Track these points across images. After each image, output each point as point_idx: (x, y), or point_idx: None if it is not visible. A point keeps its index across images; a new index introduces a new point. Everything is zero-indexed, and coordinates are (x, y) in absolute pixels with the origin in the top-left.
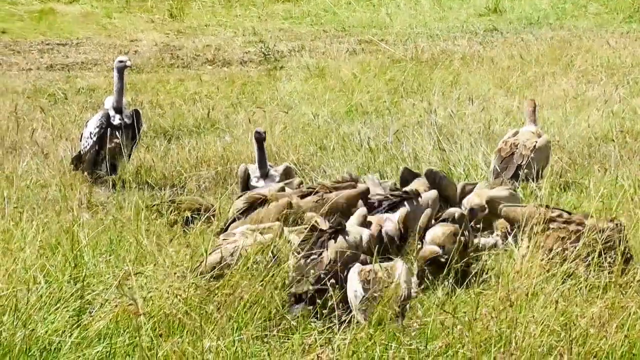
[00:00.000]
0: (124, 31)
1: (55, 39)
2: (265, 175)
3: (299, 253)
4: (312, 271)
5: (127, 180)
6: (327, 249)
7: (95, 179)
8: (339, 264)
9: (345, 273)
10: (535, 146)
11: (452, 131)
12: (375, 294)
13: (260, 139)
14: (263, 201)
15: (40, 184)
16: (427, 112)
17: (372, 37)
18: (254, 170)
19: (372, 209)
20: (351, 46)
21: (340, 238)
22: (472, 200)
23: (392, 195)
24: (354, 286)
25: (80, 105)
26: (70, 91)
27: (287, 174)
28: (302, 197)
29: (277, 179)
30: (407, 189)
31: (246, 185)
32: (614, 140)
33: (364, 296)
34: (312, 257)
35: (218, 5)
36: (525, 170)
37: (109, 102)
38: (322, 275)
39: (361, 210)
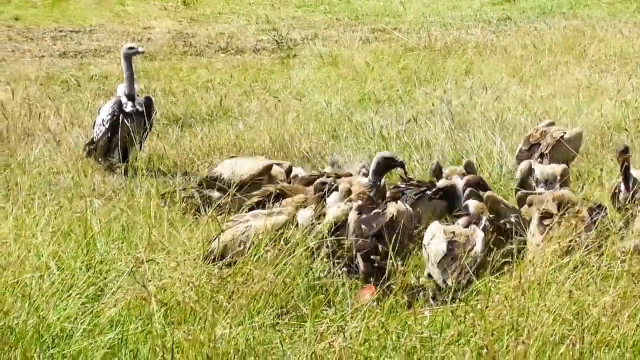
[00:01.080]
0: (137, 18)
1: (68, 26)
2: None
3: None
4: (374, 224)
5: (140, 168)
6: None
7: (108, 166)
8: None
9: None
10: (562, 137)
11: (465, 120)
12: (457, 255)
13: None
14: (278, 195)
15: (53, 171)
16: (440, 101)
17: (385, 25)
18: (121, 89)
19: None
20: (364, 35)
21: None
22: None
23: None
24: (437, 243)
25: (93, 93)
26: (83, 78)
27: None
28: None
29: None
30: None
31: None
32: (626, 130)
33: (445, 255)
34: (375, 212)
35: None
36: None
37: (121, 89)
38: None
39: (343, 185)
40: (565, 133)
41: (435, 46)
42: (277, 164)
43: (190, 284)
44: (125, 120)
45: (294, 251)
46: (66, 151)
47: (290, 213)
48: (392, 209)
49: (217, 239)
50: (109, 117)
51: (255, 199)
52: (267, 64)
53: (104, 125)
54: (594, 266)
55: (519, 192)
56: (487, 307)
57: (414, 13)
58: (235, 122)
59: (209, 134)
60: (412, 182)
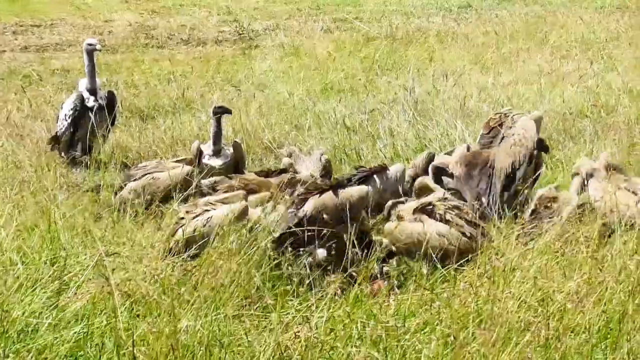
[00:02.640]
0: (98, 12)
1: (29, 20)
2: (218, 152)
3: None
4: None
5: (103, 161)
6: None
7: (72, 160)
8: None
9: None
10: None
11: (428, 108)
12: None
13: (218, 114)
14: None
15: (16, 165)
16: (402, 89)
17: (346, 15)
18: (207, 147)
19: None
20: (326, 24)
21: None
22: None
23: (360, 171)
24: None
25: (55, 87)
26: (45, 72)
27: (235, 149)
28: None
29: (229, 157)
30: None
31: (199, 162)
32: (587, 116)
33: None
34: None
35: None
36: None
37: (83, 84)
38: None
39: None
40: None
41: (397, 35)
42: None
43: (155, 277)
44: (88, 115)
45: (255, 240)
46: (29, 145)
47: (242, 200)
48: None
49: (178, 230)
50: (71, 111)
51: (221, 195)
52: (229, 55)
53: (66, 120)
54: (557, 252)
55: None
56: (453, 295)
57: (375, 2)
58: (198, 114)
59: (172, 126)
60: (362, 168)
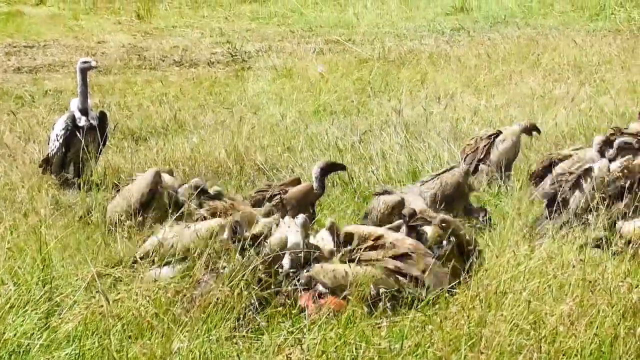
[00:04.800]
0: (91, 33)
1: (23, 41)
2: (85, 112)
3: None
4: None
5: (95, 182)
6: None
7: (63, 181)
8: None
9: None
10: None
11: (420, 130)
12: None
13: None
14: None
15: (8, 187)
16: (395, 112)
17: (339, 37)
18: (75, 103)
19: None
20: (318, 46)
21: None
22: None
23: None
24: None
25: (48, 108)
26: (38, 93)
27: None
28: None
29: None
30: None
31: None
32: (580, 139)
33: None
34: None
35: (185, 7)
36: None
37: (75, 104)
38: None
39: None
40: (498, 133)
41: (389, 57)
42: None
43: (147, 298)
44: (79, 135)
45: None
46: (21, 166)
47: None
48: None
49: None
50: (63, 132)
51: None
52: (222, 77)
53: (58, 141)
54: (550, 274)
55: None
56: (445, 318)
57: (368, 24)
58: (190, 136)
59: (164, 148)
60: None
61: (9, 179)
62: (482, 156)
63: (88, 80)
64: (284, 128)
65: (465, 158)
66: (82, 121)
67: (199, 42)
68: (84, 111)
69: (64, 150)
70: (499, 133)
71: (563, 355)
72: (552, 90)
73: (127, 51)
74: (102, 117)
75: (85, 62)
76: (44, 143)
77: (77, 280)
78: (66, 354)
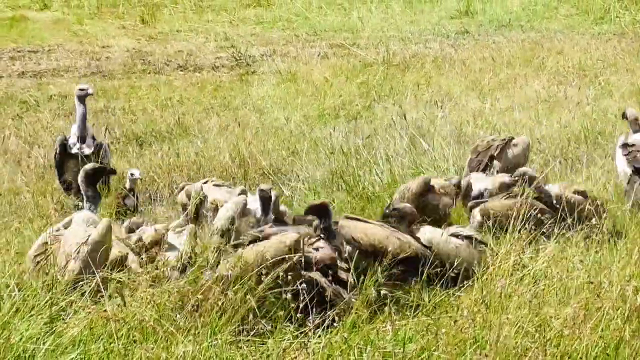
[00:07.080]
0: (95, 37)
1: (27, 45)
2: (83, 139)
3: None
4: None
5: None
6: None
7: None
8: None
9: None
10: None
11: (424, 133)
12: None
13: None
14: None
15: (14, 192)
16: (399, 115)
17: (343, 41)
18: (74, 128)
19: None
20: (323, 50)
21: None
22: None
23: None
24: None
25: (53, 112)
26: (42, 98)
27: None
28: None
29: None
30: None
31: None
32: (585, 143)
33: None
34: None
35: (189, 11)
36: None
37: (74, 129)
38: None
39: None
40: (511, 138)
41: (394, 61)
42: None
43: (152, 302)
44: (72, 161)
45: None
46: (26, 171)
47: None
48: None
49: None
50: (54, 156)
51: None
52: (226, 81)
53: (55, 159)
54: (554, 277)
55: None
56: (455, 322)
57: (372, 28)
58: (195, 140)
59: (169, 152)
60: None
61: (14, 183)
62: (495, 153)
63: (87, 105)
64: (288, 132)
65: (477, 155)
66: (74, 148)
67: (203, 47)
68: (82, 139)
69: (57, 174)
70: (512, 138)
71: (568, 358)
72: (556, 94)
73: (132, 56)
74: (99, 148)
75: (82, 90)
76: (49, 147)
77: (82, 285)
78: (71, 359)
